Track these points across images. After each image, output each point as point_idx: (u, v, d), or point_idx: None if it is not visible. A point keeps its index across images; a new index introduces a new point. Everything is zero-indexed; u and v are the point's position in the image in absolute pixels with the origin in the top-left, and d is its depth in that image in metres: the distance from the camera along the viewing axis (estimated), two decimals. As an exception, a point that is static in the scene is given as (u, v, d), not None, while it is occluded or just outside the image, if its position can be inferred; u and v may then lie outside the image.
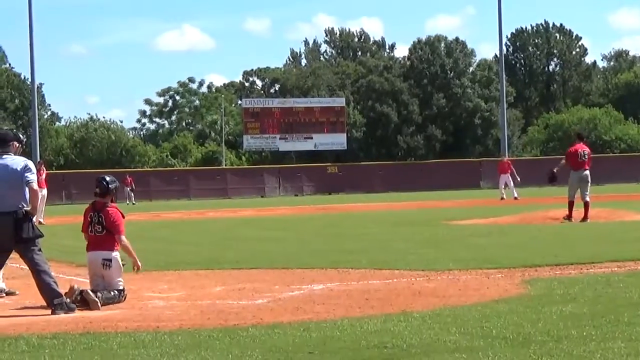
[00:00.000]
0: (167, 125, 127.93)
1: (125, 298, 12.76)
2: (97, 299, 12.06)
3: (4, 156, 12.22)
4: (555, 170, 28.50)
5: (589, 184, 27.88)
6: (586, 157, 27.98)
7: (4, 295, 13.86)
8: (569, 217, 27.32)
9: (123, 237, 13.01)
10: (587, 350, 8.11)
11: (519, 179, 52.42)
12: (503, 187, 51.12)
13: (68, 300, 11.95)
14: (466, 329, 9.42)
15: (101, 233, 12.91)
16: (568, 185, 28.01)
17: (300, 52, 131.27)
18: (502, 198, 49.69)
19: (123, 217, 13.25)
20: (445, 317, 10.31)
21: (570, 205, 27.45)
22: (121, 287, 12.80)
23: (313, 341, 9.07)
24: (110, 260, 12.83)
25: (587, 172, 27.86)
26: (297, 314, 11.09)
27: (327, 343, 8.94)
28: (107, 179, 13.25)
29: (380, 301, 11.94)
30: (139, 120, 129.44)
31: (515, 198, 49.36)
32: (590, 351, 8.08)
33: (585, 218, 27.04)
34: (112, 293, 12.60)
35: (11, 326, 10.78)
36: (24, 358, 8.67)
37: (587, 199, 27.31)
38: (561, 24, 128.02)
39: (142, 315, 11.40)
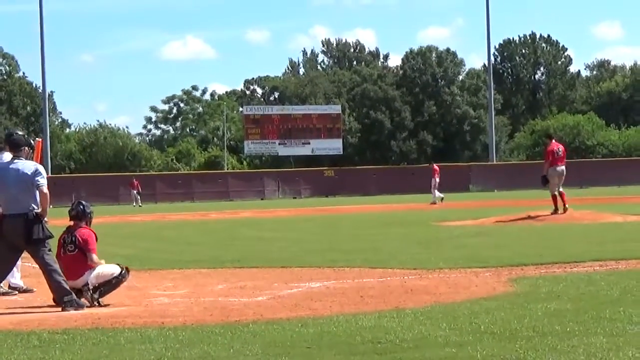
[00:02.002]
0: (171, 131, 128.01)
1: (127, 276, 12.68)
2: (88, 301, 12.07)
3: (16, 160, 12.22)
4: (545, 174, 28.72)
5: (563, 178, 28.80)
6: (561, 153, 28.95)
7: (17, 293, 13.88)
8: (556, 210, 28.24)
9: (94, 256, 12.48)
10: (571, 345, 8.11)
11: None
12: (435, 190, 50.61)
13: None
14: (456, 325, 9.42)
15: (73, 252, 12.45)
16: (549, 181, 28.45)
17: (298, 61, 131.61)
18: (434, 202, 49.30)
19: (96, 238, 12.76)
20: (436, 313, 10.31)
21: (554, 199, 28.32)
22: (117, 272, 12.62)
23: (310, 336, 9.06)
24: (87, 284, 12.33)
25: (564, 167, 28.73)
26: (296, 310, 11.09)
27: (323, 338, 8.94)
28: (84, 203, 13.00)
29: (374, 298, 11.94)
30: (145, 127, 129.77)
31: (433, 203, 49.01)
32: (574, 346, 8.08)
33: (565, 207, 28.15)
34: (114, 281, 12.49)
35: (23, 322, 10.78)
36: (36, 352, 8.66)
37: (561, 189, 28.36)
38: (548, 35, 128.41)
39: (148, 312, 11.39)
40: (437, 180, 50.87)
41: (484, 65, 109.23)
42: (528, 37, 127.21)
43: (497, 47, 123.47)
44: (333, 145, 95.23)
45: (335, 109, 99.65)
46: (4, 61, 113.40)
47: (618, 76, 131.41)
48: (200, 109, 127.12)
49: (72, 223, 12.80)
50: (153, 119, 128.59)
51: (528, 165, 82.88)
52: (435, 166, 52.42)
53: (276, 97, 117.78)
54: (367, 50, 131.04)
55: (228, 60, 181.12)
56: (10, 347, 9.03)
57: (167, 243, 24.81)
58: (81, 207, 12.88)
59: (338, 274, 15.14)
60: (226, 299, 12.44)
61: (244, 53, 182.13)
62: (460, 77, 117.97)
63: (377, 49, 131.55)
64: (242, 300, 12.27)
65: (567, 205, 28.32)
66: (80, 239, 12.51)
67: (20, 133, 12.79)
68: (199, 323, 10.24)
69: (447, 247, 19.71)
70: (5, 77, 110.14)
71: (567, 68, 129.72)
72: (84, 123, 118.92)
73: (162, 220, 41.11)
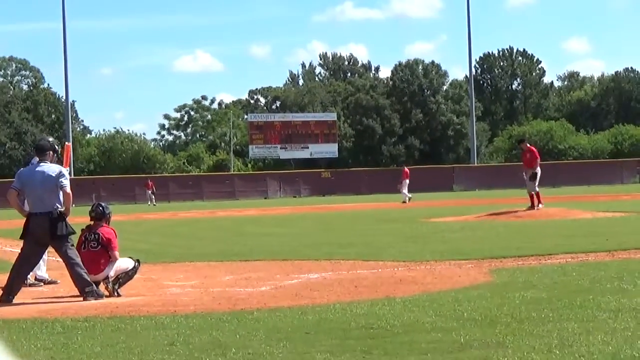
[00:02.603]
0: (183, 137, 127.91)
1: (138, 267, 12.71)
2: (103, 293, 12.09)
3: (42, 164, 12.22)
4: (536, 172, 28.84)
5: None
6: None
7: (42, 284, 13.87)
8: (532, 207, 28.61)
9: (116, 253, 12.50)
10: (546, 330, 8.09)
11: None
12: (405, 191, 50.47)
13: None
14: (441, 312, 9.40)
15: (96, 248, 12.43)
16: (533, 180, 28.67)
17: (298, 73, 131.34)
18: (404, 201, 49.22)
19: (116, 235, 12.78)
20: (423, 301, 10.29)
21: (532, 197, 28.66)
22: (131, 265, 12.66)
23: (309, 323, 9.04)
24: (107, 277, 12.34)
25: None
26: (296, 299, 11.06)
27: (321, 324, 8.92)
28: (103, 205, 13.00)
29: (367, 288, 11.92)
30: (158, 133, 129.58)
31: (404, 202, 48.95)
32: (548, 330, 8.06)
33: (538, 205, 28.69)
34: (130, 273, 12.53)
35: (48, 311, 10.76)
36: (60, 338, 8.64)
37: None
38: (524, 49, 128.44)
39: (161, 301, 11.37)
40: (407, 181, 50.72)
41: (466, 76, 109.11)
42: (506, 51, 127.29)
43: (477, 60, 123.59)
44: (329, 149, 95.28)
45: (331, 116, 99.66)
46: (31, 74, 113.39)
47: (587, 86, 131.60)
48: (209, 116, 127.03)
49: (92, 222, 12.81)
50: (166, 126, 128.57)
51: (506, 167, 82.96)
52: (406, 169, 52.33)
53: (278, 105, 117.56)
54: (360, 63, 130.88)
55: (234, 72, 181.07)
56: (36, 333, 9.01)
57: (179, 238, 24.78)
58: (100, 208, 12.89)
59: (334, 266, 15.12)
60: (233, 289, 12.42)
61: (249, 66, 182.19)
62: (445, 87, 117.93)
63: (369, 62, 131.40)
64: (247, 290, 12.25)
65: (541, 204, 28.59)
66: (103, 237, 12.53)
67: (50, 140, 12.75)
68: (208, 311, 10.21)
69: (433, 242, 19.68)
70: (31, 88, 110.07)
71: (541, 79, 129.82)
72: (103, 129, 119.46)
73: (175, 217, 41.07)
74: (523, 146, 29.93)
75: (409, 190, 50.17)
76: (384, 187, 76.60)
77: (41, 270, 13.93)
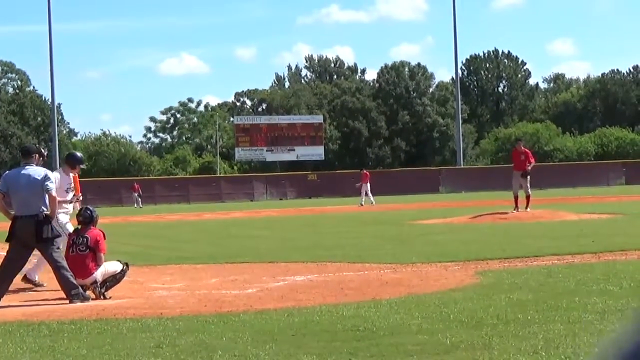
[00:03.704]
0: (169, 139, 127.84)
1: (126, 271, 12.78)
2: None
3: (27, 167, 12.20)
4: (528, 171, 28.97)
5: None
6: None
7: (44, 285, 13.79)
8: (516, 208, 28.86)
9: (102, 255, 12.56)
10: (531, 332, 8.11)
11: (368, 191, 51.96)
12: (364, 195, 50.56)
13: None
14: (427, 314, 9.41)
15: (84, 252, 12.48)
16: (513, 182, 29.05)
17: (284, 76, 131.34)
18: (361, 204, 49.35)
19: (104, 237, 12.88)
20: (409, 303, 10.30)
21: (516, 198, 28.94)
22: (119, 269, 12.68)
23: (296, 325, 9.04)
24: (95, 281, 12.36)
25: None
26: (282, 301, 11.06)
27: (307, 326, 8.92)
28: (91, 208, 13.06)
29: (353, 290, 11.92)
30: (145, 135, 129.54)
31: (362, 205, 49.06)
32: (534, 332, 8.08)
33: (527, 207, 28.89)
34: (117, 276, 12.56)
35: (34, 314, 10.74)
36: (46, 341, 8.62)
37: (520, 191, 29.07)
38: (509, 51, 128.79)
39: (148, 303, 11.35)
40: (367, 185, 50.84)
41: (452, 78, 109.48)
42: (492, 53, 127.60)
43: (463, 62, 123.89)
44: (315, 152, 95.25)
45: (317, 118, 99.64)
46: (17, 76, 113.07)
47: (573, 88, 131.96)
48: (195, 119, 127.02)
49: (80, 226, 12.84)
50: (152, 129, 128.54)
51: (492, 169, 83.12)
52: (366, 172, 52.45)
53: (264, 108, 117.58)
54: (346, 65, 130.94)
55: (220, 74, 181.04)
56: (22, 336, 8.99)
57: (165, 241, 24.74)
58: (88, 212, 12.93)
59: (320, 268, 15.12)
60: (219, 291, 12.41)
61: (234, 68, 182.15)
62: (431, 90, 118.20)
63: (355, 64, 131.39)
64: (234, 292, 12.24)
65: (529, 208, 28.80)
66: (92, 239, 12.54)
67: (38, 145, 12.86)
68: (194, 313, 10.21)
69: (419, 243, 19.70)
70: (17, 90, 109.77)
71: (527, 81, 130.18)
72: (90, 132, 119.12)
73: (161, 220, 41.00)
74: (519, 147, 29.50)
75: (371, 194, 50.43)
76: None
77: (33, 272, 13.87)
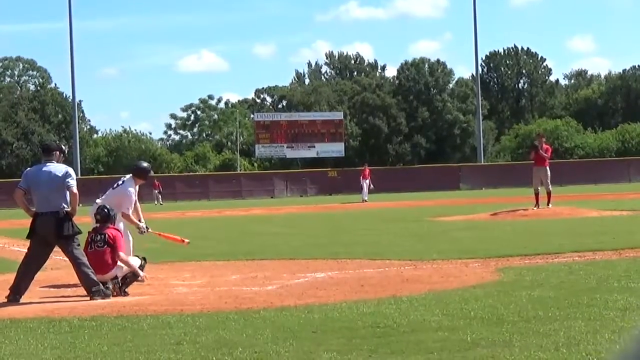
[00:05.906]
0: (189, 137, 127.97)
1: (144, 264, 13.05)
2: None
3: (48, 164, 12.24)
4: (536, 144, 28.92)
5: None
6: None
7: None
8: (537, 205, 28.58)
9: (121, 253, 12.68)
10: (552, 329, 8.08)
11: (373, 186, 52.04)
12: (367, 190, 50.52)
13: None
14: (448, 311, 9.39)
15: (102, 248, 12.57)
16: (534, 179, 28.84)
17: (304, 72, 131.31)
18: (364, 200, 49.37)
19: (122, 236, 13.08)
20: (429, 300, 10.29)
21: (537, 195, 28.66)
22: (138, 264, 12.80)
23: (316, 322, 9.04)
24: (116, 277, 12.45)
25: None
26: (302, 298, 11.06)
27: (327, 323, 8.91)
28: (108, 207, 13.18)
29: (373, 287, 11.91)
30: (165, 132, 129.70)
31: (365, 201, 49.09)
32: (555, 329, 8.05)
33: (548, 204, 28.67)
34: (136, 272, 12.67)
35: (55, 310, 10.78)
36: (67, 338, 8.65)
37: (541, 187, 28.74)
38: (528, 48, 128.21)
39: (168, 300, 11.38)
40: (367, 181, 50.84)
41: (472, 75, 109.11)
42: (511, 50, 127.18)
43: (483, 58, 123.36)
44: (336, 148, 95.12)
45: (337, 115, 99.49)
46: (38, 74, 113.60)
47: (594, 84, 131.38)
48: (215, 116, 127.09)
49: (97, 225, 12.95)
50: (173, 126, 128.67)
51: (513, 166, 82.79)
52: (367, 168, 52.42)
53: (284, 104, 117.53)
54: (366, 62, 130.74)
55: (240, 71, 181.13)
56: (43, 332, 9.03)
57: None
58: (105, 210, 13.05)
59: (340, 265, 15.12)
60: (239, 288, 12.42)
61: (253, 65, 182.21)
62: (450, 86, 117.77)
63: (375, 61, 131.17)
64: (254, 289, 12.25)
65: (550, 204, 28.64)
66: (110, 237, 12.62)
67: (59, 143, 12.97)
68: (214, 310, 10.22)
69: (439, 240, 19.67)
70: (38, 88, 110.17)
71: (547, 77, 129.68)
72: (110, 129, 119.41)
73: (181, 217, 41.10)
74: (540, 142, 29.08)
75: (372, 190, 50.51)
76: (390, 186, 76.61)
77: None
